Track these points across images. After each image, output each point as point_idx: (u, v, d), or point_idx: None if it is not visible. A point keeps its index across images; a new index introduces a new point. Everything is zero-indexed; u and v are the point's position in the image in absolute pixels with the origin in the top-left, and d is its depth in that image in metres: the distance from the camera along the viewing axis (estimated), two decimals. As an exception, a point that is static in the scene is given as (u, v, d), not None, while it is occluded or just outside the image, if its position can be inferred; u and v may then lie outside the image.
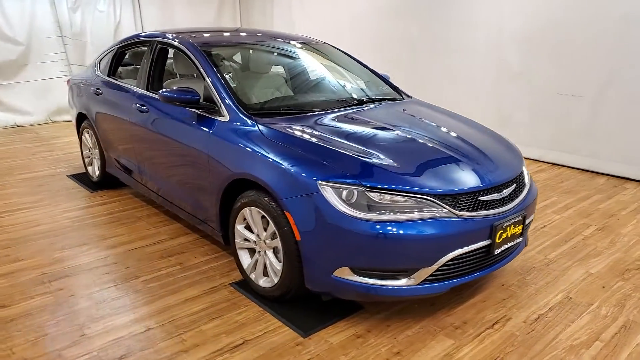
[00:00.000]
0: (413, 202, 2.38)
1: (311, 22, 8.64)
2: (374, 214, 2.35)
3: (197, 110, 3.18)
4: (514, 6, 5.95)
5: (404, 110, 3.38)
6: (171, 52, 3.80)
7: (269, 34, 4.07)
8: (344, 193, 2.39)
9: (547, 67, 5.79)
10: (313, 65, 3.94)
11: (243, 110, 3.00)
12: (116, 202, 4.47)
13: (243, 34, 4.08)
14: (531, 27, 5.84)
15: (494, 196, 2.58)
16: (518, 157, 3.01)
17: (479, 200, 2.52)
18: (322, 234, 2.43)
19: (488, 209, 2.52)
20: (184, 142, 3.25)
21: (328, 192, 2.40)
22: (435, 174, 2.52)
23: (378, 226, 2.33)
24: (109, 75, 4.44)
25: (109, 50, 4.57)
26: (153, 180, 3.79)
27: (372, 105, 3.40)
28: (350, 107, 3.30)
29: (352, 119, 3.07)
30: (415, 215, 2.36)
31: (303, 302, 2.81)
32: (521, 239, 2.79)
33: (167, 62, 3.92)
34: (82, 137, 4.91)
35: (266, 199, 2.67)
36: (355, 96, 3.61)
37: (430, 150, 2.74)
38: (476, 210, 2.48)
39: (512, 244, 2.70)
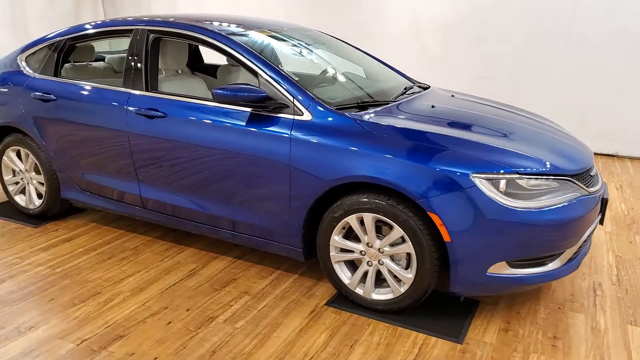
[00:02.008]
0: (556, 184, 2.37)
1: (205, 12, 7.94)
2: (530, 202, 2.28)
3: (260, 111, 2.68)
4: (428, -7, 6.30)
5: (452, 95, 3.34)
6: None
7: (269, 23, 3.60)
8: (501, 183, 2.27)
9: (466, 51, 6.27)
10: (343, 55, 3.63)
11: (328, 106, 2.62)
12: (85, 234, 3.55)
13: (249, 23, 3.48)
14: (449, 14, 6.26)
15: (592, 173, 2.72)
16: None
17: (591, 177, 2.63)
18: (479, 230, 2.28)
19: (596, 186, 2.65)
20: (241, 150, 2.70)
21: (484, 184, 2.26)
22: (559, 154, 2.55)
23: (536, 213, 2.27)
24: (56, 75, 3.47)
25: (45, 43, 3.56)
26: (169, 200, 3.09)
27: (422, 92, 3.28)
28: (405, 96, 3.12)
29: (433, 106, 2.92)
30: (563, 197, 2.36)
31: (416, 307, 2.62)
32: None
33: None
34: (2, 158, 3.77)
35: (389, 201, 2.39)
36: (402, 84, 3.43)
37: (533, 132, 2.77)
38: (593, 186, 2.58)
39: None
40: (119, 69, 4.01)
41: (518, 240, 2.29)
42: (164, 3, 8.29)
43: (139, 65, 3.10)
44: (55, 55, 3.48)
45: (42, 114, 3.42)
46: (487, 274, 2.34)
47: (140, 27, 3.16)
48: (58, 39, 3.50)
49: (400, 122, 2.59)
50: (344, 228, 2.59)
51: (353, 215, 2.51)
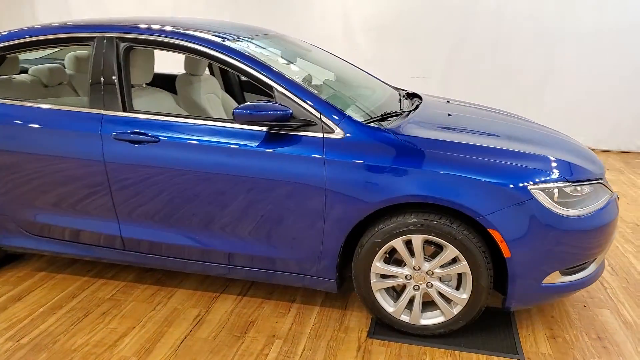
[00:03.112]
0: (592, 189, 2.41)
1: (108, 12, 7.07)
2: (578, 209, 2.29)
3: (279, 130, 2.35)
4: (357, -5, 6.26)
5: (447, 101, 3.27)
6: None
7: (246, 27, 3.22)
8: (555, 193, 2.24)
9: (397, 52, 6.35)
10: (330, 62, 3.35)
11: (359, 121, 2.39)
12: (37, 288, 2.89)
13: (233, 29, 3.04)
14: (380, 15, 6.28)
15: None
16: None
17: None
18: (539, 243, 2.22)
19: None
20: (263, 175, 2.35)
21: (541, 195, 2.21)
22: (585, 158, 2.59)
23: (585, 220, 2.28)
24: (-14, 95, 2.76)
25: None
26: (160, 239, 2.61)
27: (419, 101, 3.15)
28: (407, 104, 2.98)
29: (450, 115, 2.81)
30: (600, 201, 2.40)
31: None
32: None
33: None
34: None
35: (441, 220, 2.25)
36: (390, 91, 3.26)
37: (551, 137, 2.78)
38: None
39: None
40: (49, 83, 3.33)
41: (572, 248, 2.28)
42: (51, 3, 7.24)
43: (112, 79, 2.57)
44: (-21, 68, 2.77)
45: (-29, 147, 2.70)
46: (542, 284, 2.30)
47: (106, 35, 2.61)
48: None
49: (434, 133, 2.44)
50: (385, 253, 2.38)
51: (399, 238, 2.32)
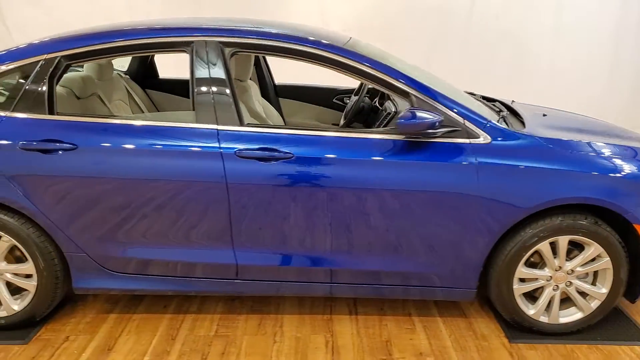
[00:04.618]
0: None
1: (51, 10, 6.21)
2: None
3: (420, 138, 2.24)
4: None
5: (512, 102, 3.34)
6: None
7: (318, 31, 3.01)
8: None
9: (376, 52, 6.38)
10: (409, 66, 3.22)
11: (502, 126, 2.35)
12: (125, 333, 2.46)
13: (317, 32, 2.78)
14: (359, 16, 6.26)
15: None
16: None
17: None
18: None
19: None
20: (406, 186, 2.24)
21: None
22: None
23: None
24: (51, 112, 2.28)
25: (13, 63, 2.30)
26: (281, 263, 2.38)
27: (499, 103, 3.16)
28: (498, 105, 2.99)
29: (545, 115, 2.87)
30: None
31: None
32: None
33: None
34: None
35: (587, 220, 2.31)
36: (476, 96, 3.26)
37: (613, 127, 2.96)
38: None
39: None
40: (81, 94, 2.87)
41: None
42: None
43: (223, 90, 2.27)
44: (45, 82, 2.28)
45: (41, 173, 2.23)
46: (668, 271, 2.46)
47: (207, 39, 2.30)
48: (44, 56, 2.30)
49: (565, 134, 2.48)
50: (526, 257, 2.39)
51: (546, 240, 2.34)
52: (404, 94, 2.30)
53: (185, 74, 3.83)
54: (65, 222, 2.29)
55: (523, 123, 2.57)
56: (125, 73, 3.59)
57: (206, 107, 2.26)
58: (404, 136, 2.25)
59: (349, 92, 3.79)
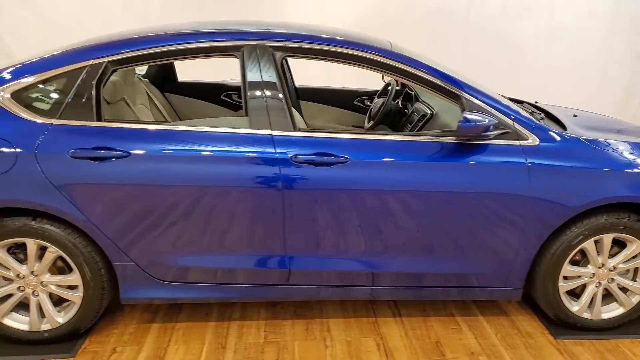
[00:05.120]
0: None
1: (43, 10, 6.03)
2: None
3: (470, 140, 2.28)
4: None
5: (536, 102, 3.40)
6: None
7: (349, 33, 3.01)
8: None
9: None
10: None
11: (548, 127, 2.41)
12: (173, 344, 2.42)
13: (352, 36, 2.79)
14: (359, 16, 6.28)
15: None
16: None
17: None
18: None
19: None
20: (460, 188, 2.27)
21: None
22: None
23: None
24: (99, 119, 2.22)
25: (59, 68, 2.23)
26: (329, 267, 2.38)
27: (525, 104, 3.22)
28: (527, 106, 3.04)
29: (575, 116, 2.93)
30: None
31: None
32: None
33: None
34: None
35: (629, 218, 2.39)
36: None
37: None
38: None
39: None
40: (111, 99, 2.79)
41: None
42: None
43: (276, 95, 2.26)
44: (92, 88, 2.22)
45: (92, 181, 2.17)
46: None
47: (258, 43, 2.29)
48: (90, 62, 2.24)
49: (602, 135, 2.54)
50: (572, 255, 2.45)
51: (592, 238, 2.40)
52: (456, 98, 2.32)
53: (204, 78, 3.85)
54: (115, 231, 2.24)
55: (559, 124, 2.63)
56: (144, 76, 3.52)
57: (259, 112, 2.24)
58: (454, 139, 2.28)
59: (369, 94, 3.80)
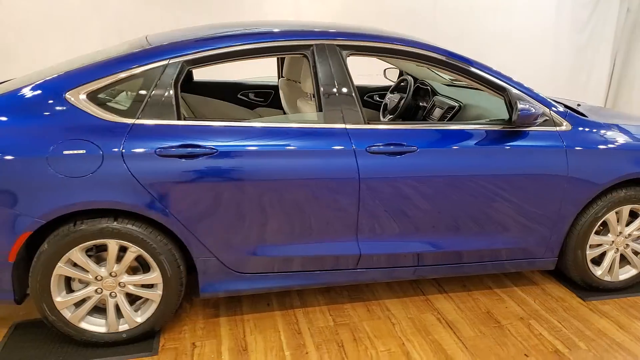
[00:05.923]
0: None
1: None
2: None
3: (514, 128, 2.56)
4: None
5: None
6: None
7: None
8: None
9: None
10: None
11: (577, 114, 2.74)
12: (249, 335, 2.50)
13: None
14: (336, 16, 6.47)
15: None
16: None
17: None
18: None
19: None
20: (512, 171, 2.53)
21: None
22: None
23: None
24: (179, 118, 2.26)
25: (138, 67, 2.23)
26: (398, 250, 2.56)
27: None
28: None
29: (579, 105, 3.30)
30: None
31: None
32: None
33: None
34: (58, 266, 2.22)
35: (645, 189, 2.78)
36: None
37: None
38: None
39: None
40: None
41: None
42: None
43: (347, 91, 2.40)
44: (170, 87, 2.25)
45: (179, 179, 2.21)
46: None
47: (325, 42, 2.42)
48: (167, 61, 2.27)
49: (616, 121, 2.92)
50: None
51: (613, 210, 2.76)
52: (503, 90, 2.58)
53: (217, 78, 3.88)
54: (199, 226, 2.29)
55: (576, 112, 2.98)
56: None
57: (333, 107, 2.38)
58: (505, 127, 2.55)
59: (379, 89, 4.02)
